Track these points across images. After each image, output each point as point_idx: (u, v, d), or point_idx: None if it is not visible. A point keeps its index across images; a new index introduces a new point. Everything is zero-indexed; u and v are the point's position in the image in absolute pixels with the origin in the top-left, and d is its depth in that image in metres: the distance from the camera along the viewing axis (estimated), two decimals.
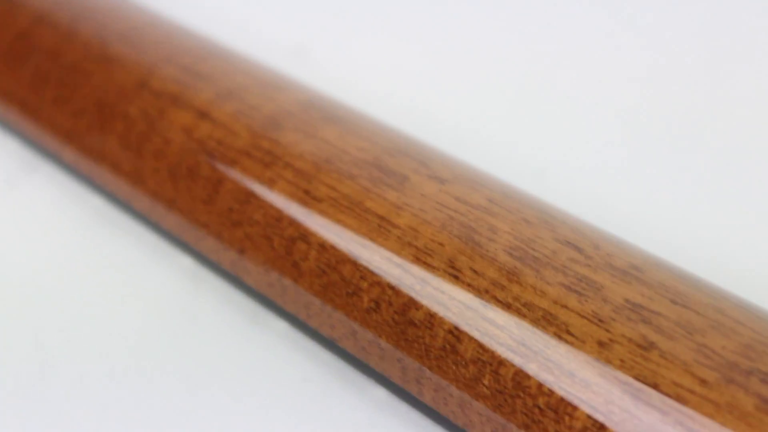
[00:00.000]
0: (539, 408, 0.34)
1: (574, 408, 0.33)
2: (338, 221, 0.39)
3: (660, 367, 0.33)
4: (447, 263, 0.37)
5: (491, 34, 0.57)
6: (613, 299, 0.35)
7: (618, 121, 0.51)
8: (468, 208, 0.38)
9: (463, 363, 0.35)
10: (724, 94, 0.51)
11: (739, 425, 0.31)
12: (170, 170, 0.44)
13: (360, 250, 0.38)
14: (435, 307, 0.36)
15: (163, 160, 0.45)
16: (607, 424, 0.33)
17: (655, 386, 0.32)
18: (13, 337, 0.42)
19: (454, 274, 0.37)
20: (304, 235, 0.40)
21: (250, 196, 0.42)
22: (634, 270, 0.36)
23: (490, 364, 0.35)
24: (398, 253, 0.38)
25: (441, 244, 0.37)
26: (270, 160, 0.42)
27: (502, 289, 0.36)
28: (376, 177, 0.40)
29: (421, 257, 0.37)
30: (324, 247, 0.39)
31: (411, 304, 0.37)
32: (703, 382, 0.32)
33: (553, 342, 0.34)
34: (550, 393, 0.34)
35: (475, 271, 0.36)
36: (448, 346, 0.36)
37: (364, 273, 0.38)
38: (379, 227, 0.39)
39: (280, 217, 0.41)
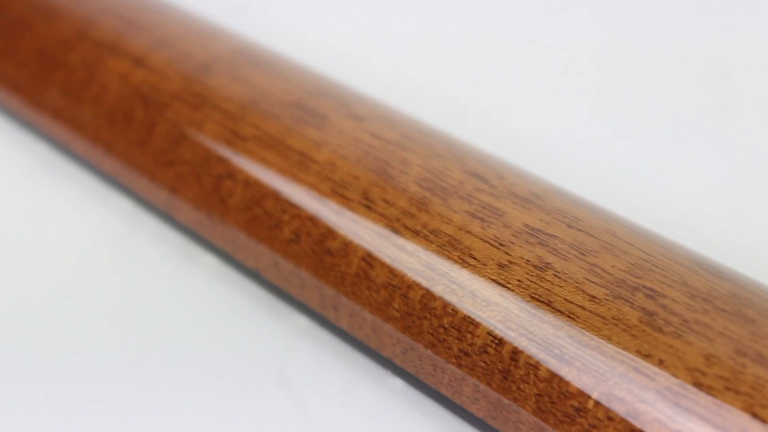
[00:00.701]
0: (444, 328, 0.36)
1: (476, 326, 0.35)
2: (262, 159, 0.41)
3: (554, 285, 0.35)
4: (361, 195, 0.39)
5: None
6: (513, 224, 0.37)
7: (534, 59, 0.53)
8: (383, 144, 0.40)
9: (375, 288, 0.37)
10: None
11: (624, 336, 0.33)
12: (107, 115, 0.46)
13: (282, 184, 0.40)
14: (350, 236, 0.38)
15: (100, 106, 0.46)
16: (506, 338, 0.35)
17: (549, 303, 0.34)
18: None
19: (367, 204, 0.39)
20: (231, 173, 0.42)
21: (181, 137, 0.43)
22: (535, 198, 0.38)
23: (400, 288, 0.37)
24: (317, 186, 0.40)
25: (356, 177, 0.39)
26: (199, 103, 0.44)
27: (411, 218, 0.38)
28: (298, 117, 0.42)
29: (338, 190, 0.39)
30: (249, 183, 0.41)
31: (328, 234, 0.39)
32: (593, 298, 0.34)
33: (457, 265, 0.36)
34: (454, 313, 0.36)
35: (387, 202, 0.38)
36: (361, 273, 0.38)
37: (285, 206, 0.40)
38: (299, 163, 0.40)
39: (208, 156, 0.42)
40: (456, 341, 0.36)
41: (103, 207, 0.47)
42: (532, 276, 0.35)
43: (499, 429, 0.36)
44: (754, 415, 0.30)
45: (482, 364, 0.35)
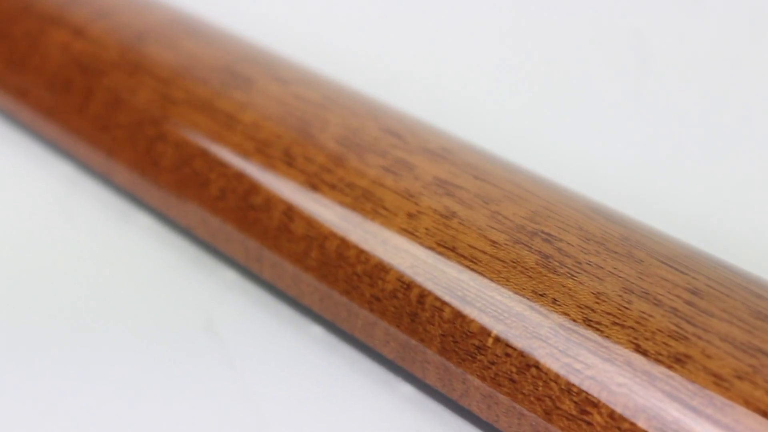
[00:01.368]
0: (357, 275, 0.38)
1: (386, 272, 0.37)
2: (191, 121, 0.43)
3: (459, 232, 0.37)
4: (283, 152, 0.41)
5: None
6: (423, 177, 0.39)
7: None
8: (305, 105, 0.42)
9: (295, 240, 0.39)
10: None
11: (521, 278, 0.35)
12: (49, 84, 0.48)
13: (209, 145, 0.42)
14: (272, 191, 0.40)
15: (42, 75, 0.48)
16: (414, 283, 0.37)
17: (453, 249, 0.36)
18: None
19: (288, 161, 0.41)
20: (163, 135, 0.44)
21: (117, 103, 0.45)
22: (445, 152, 0.40)
23: (317, 239, 0.39)
24: (242, 145, 0.42)
25: (279, 136, 0.41)
26: (134, 69, 0.46)
27: (329, 173, 0.40)
28: (226, 81, 0.44)
29: (262, 148, 0.41)
30: (179, 144, 0.43)
31: (252, 190, 0.41)
32: (494, 243, 0.36)
33: (370, 216, 0.38)
34: (366, 261, 0.38)
35: (306, 158, 0.40)
36: (282, 226, 0.40)
37: (212, 165, 0.42)
38: (226, 124, 0.42)
39: (141, 120, 0.44)
40: (368, 287, 0.38)
41: (47, 171, 0.49)
42: (438, 224, 0.37)
43: (408, 370, 0.38)
44: (637, 348, 0.32)
45: (392, 308, 0.37)
